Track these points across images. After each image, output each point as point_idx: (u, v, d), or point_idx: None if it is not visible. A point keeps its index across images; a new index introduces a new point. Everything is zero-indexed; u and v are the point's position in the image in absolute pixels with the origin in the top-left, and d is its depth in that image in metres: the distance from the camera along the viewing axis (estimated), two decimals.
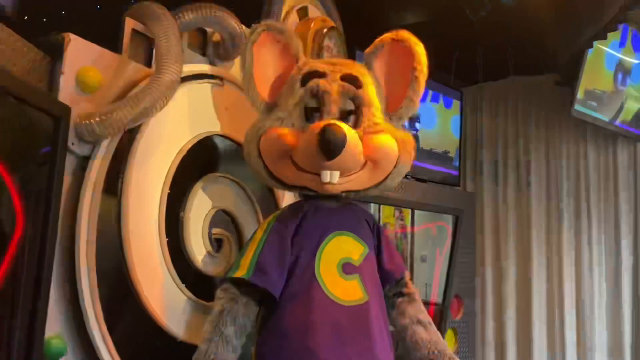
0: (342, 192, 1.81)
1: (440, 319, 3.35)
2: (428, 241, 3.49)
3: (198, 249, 1.90)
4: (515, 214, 4.12)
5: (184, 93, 1.89)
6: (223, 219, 2.03)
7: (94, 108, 1.59)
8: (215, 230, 1.98)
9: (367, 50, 1.94)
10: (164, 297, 1.73)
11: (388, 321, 1.85)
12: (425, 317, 1.89)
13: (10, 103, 1.34)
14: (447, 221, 3.52)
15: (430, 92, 3.59)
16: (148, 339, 1.72)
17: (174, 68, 1.69)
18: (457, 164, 3.79)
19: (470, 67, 4.14)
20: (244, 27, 2.04)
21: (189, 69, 1.91)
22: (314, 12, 2.69)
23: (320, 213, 1.84)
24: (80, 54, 1.59)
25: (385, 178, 1.83)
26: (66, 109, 1.48)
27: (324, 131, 1.62)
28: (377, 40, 1.93)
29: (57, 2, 1.80)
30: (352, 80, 1.82)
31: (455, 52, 4.01)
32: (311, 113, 1.77)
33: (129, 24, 1.74)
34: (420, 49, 1.85)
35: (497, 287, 4.09)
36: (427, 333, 1.84)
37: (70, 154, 1.55)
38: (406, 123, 2.06)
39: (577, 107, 3.63)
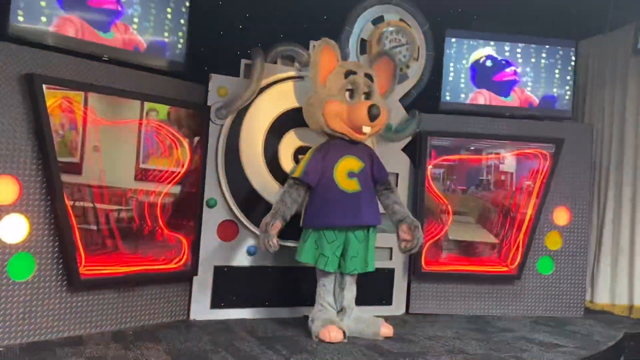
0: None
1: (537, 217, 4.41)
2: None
3: (287, 163, 3.88)
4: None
5: (278, 88, 3.87)
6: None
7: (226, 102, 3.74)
8: (300, 156, 3.90)
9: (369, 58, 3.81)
10: (262, 182, 3.81)
11: (376, 200, 3.60)
12: (400, 201, 3.67)
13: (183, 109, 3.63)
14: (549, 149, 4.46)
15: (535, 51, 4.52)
16: (253, 200, 3.81)
17: (255, 83, 3.70)
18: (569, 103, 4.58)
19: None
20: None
21: (279, 75, 3.87)
22: (392, 16, 4.20)
23: (340, 146, 3.61)
24: (218, 82, 3.74)
25: (379, 130, 3.62)
26: (207, 108, 3.67)
27: (371, 107, 3.43)
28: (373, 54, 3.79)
29: (220, 60, 3.97)
30: (369, 76, 3.59)
31: None
32: (350, 93, 3.55)
33: (244, 62, 3.80)
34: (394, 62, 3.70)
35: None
36: (400, 207, 3.59)
37: (214, 124, 3.74)
38: None
39: None
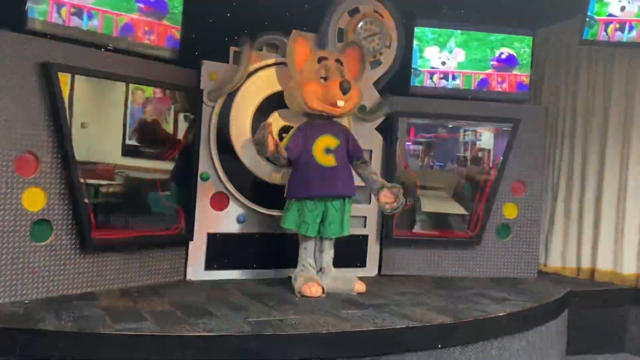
0: (340, 115, 4.08)
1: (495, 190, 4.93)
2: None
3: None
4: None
5: (264, 73, 4.30)
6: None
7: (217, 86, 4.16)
8: (284, 134, 4.35)
9: (339, 46, 4.23)
10: (250, 158, 4.26)
11: (351, 174, 4.10)
12: (376, 172, 4.21)
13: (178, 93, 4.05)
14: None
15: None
16: (242, 174, 4.25)
17: (243, 69, 4.13)
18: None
19: None
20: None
21: (265, 62, 4.30)
22: (366, 7, 4.63)
23: (318, 125, 4.07)
24: (209, 68, 4.16)
25: (353, 107, 4.05)
26: (200, 91, 4.09)
27: (342, 82, 3.92)
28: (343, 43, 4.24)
29: (214, 46, 4.37)
30: (339, 61, 4.07)
31: None
32: (324, 75, 4.03)
33: (232, 50, 4.22)
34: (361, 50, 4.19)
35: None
36: (377, 177, 4.10)
37: (206, 106, 4.17)
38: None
39: None
